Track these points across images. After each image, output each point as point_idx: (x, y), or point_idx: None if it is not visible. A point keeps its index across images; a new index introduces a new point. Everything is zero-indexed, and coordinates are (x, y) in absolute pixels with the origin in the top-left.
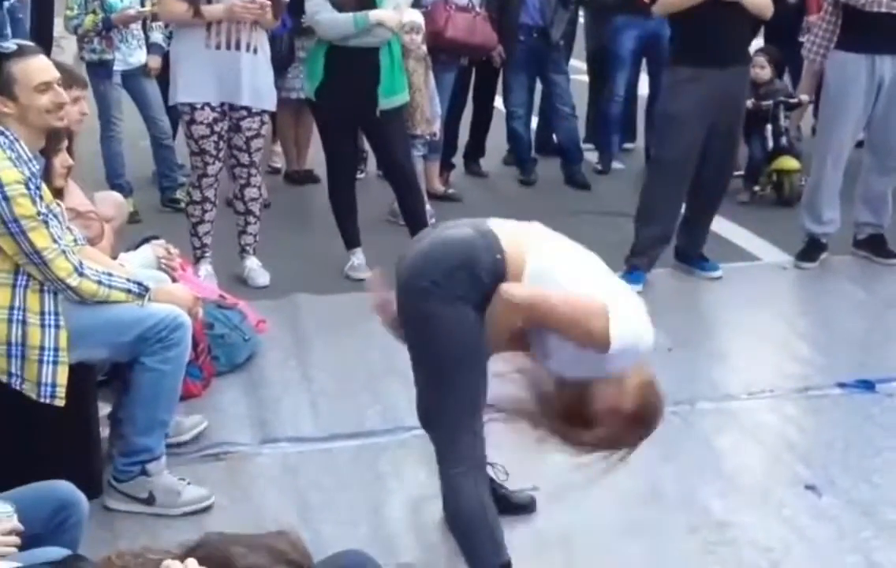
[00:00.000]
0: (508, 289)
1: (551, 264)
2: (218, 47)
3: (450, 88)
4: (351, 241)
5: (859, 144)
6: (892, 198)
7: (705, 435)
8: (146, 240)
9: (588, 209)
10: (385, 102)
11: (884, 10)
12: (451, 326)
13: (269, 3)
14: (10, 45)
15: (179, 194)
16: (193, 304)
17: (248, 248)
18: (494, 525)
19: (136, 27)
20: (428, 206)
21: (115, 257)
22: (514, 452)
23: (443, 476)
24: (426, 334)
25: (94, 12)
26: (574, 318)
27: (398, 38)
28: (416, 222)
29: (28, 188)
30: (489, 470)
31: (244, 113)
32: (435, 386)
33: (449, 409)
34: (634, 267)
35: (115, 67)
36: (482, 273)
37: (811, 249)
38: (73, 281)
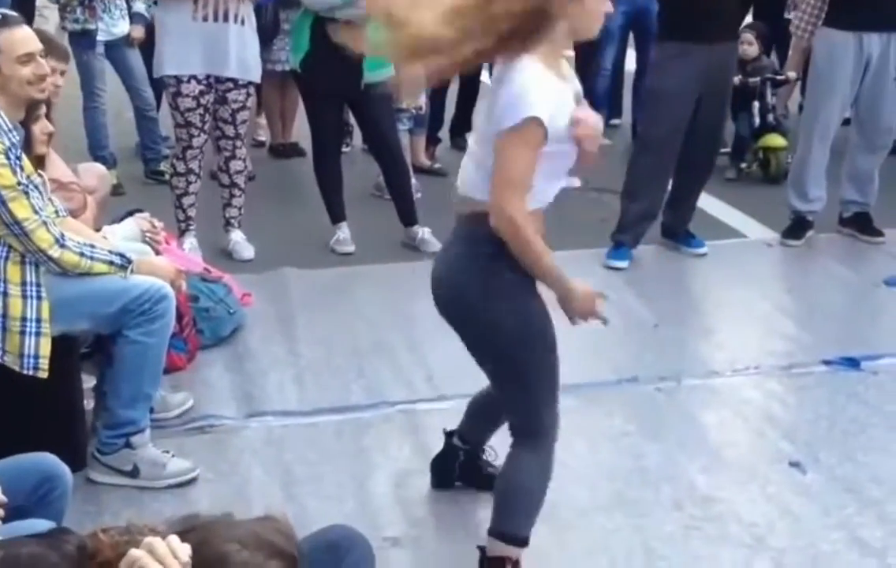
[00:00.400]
0: None
1: None
2: (205, 19)
3: None
4: (336, 215)
5: (846, 122)
6: (878, 176)
7: (690, 411)
8: (130, 212)
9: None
10: (370, 76)
11: None
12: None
13: None
14: None
15: (163, 166)
16: (176, 276)
17: (232, 221)
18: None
19: None
20: (414, 181)
21: (98, 229)
22: (504, 433)
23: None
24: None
25: None
26: None
27: None
28: (401, 196)
29: (8, 158)
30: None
31: (230, 85)
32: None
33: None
34: (620, 243)
35: (97, 38)
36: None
37: (797, 227)
38: (55, 252)
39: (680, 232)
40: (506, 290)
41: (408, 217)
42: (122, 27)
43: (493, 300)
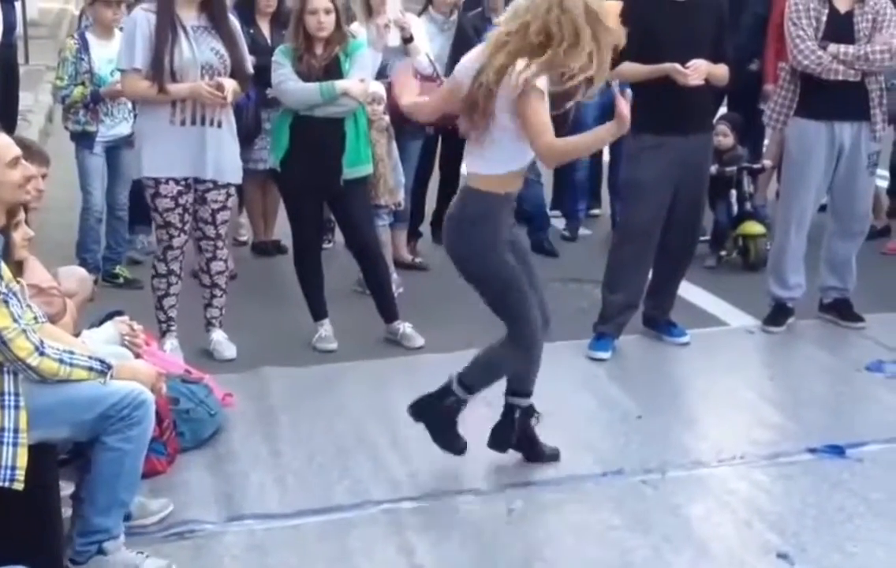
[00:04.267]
0: None
1: None
2: (183, 123)
3: (416, 157)
4: (318, 312)
5: (823, 209)
6: (855, 261)
7: (676, 503)
8: (109, 315)
9: (555, 276)
10: (349, 172)
11: (840, 77)
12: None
13: (232, 89)
14: None
15: (118, 269)
16: (157, 380)
17: (214, 321)
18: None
19: (123, 99)
20: (395, 275)
21: (77, 333)
22: None
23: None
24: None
25: (83, 84)
26: None
27: (364, 109)
28: (380, 293)
29: None
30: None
31: (210, 185)
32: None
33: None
34: (602, 334)
35: (97, 139)
36: None
37: (778, 314)
38: (34, 361)
39: (661, 321)
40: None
41: (388, 313)
42: (122, 129)
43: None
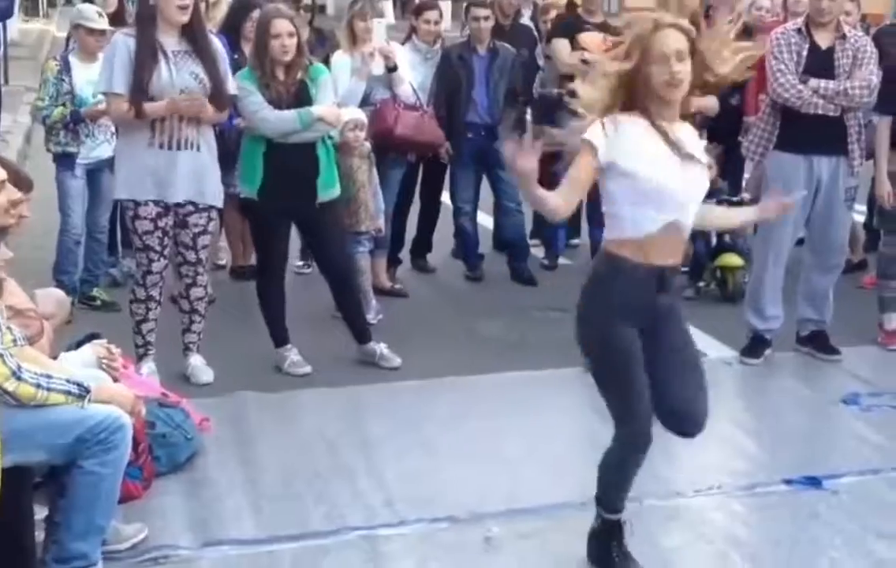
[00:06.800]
0: None
1: None
2: (161, 146)
3: (398, 184)
4: (281, 338)
5: (801, 242)
6: (832, 294)
7: (653, 533)
8: (87, 338)
9: (535, 305)
10: (323, 195)
11: (820, 111)
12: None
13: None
14: None
15: (96, 292)
16: (135, 403)
17: (191, 345)
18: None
19: (104, 121)
20: (374, 302)
21: (55, 356)
22: None
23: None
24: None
25: (63, 105)
26: None
27: (329, 133)
28: (352, 315)
29: None
30: None
31: (191, 208)
32: None
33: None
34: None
35: (78, 160)
36: None
37: (755, 345)
38: (11, 386)
39: None
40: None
41: (361, 335)
42: (103, 151)
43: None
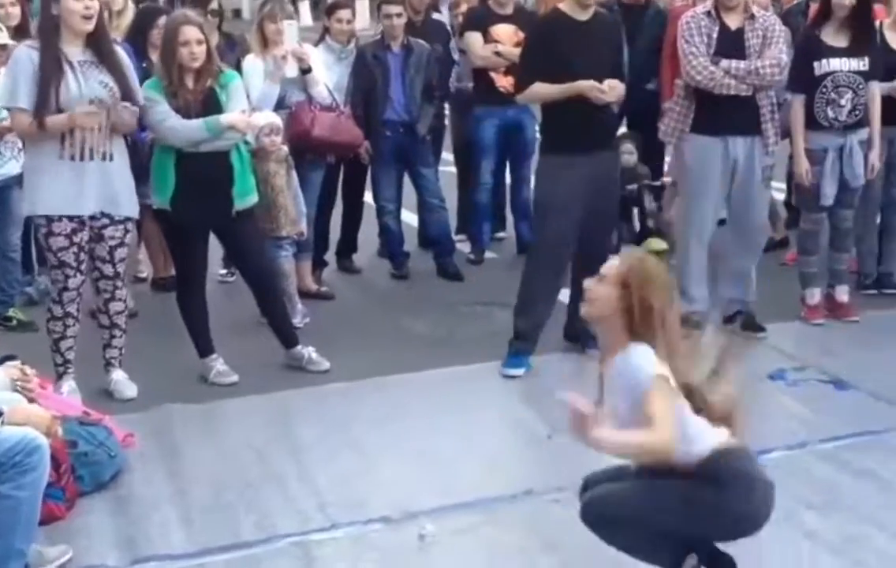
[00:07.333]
0: None
1: None
2: (73, 158)
3: (318, 187)
4: (206, 348)
5: (722, 223)
6: (755, 273)
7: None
8: (1, 360)
9: (462, 300)
10: (240, 204)
11: (732, 92)
12: None
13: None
14: None
15: (11, 312)
16: (51, 423)
17: (113, 361)
18: None
19: (11, 137)
20: (300, 306)
21: None
22: None
23: None
24: None
25: None
26: None
27: (244, 139)
28: (276, 320)
29: None
30: None
31: (106, 221)
32: None
33: None
34: (518, 351)
35: None
36: None
37: (682, 327)
38: None
39: (582, 334)
40: None
41: (287, 340)
42: (10, 168)
43: None
